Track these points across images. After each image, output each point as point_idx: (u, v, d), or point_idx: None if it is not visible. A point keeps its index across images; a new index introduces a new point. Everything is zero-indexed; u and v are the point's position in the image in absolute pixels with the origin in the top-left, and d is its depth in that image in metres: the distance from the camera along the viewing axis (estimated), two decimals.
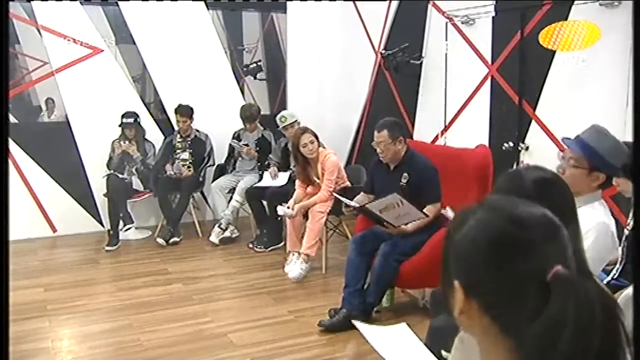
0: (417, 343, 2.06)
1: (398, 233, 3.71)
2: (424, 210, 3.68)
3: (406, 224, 3.68)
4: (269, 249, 5.24)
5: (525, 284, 0.80)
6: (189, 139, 5.80)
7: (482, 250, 0.83)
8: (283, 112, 5.60)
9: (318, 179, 4.81)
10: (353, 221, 4.53)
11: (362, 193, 4.16)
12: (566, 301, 0.77)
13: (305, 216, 4.77)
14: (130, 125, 5.63)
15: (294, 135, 4.85)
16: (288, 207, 4.75)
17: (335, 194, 4.19)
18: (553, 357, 0.76)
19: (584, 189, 2.20)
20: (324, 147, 4.87)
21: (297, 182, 4.92)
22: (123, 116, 5.62)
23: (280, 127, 5.50)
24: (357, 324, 2.42)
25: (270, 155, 5.67)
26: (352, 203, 3.95)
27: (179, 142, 5.80)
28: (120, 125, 5.64)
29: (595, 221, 2.11)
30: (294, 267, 4.61)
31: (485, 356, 0.88)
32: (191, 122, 5.76)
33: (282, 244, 5.22)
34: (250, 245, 5.39)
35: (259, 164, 5.74)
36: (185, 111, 5.70)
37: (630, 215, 2.86)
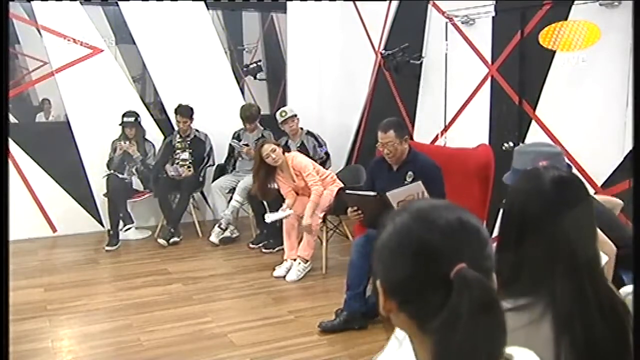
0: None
1: None
2: None
3: None
4: (276, 249, 5.22)
5: (433, 283, 0.85)
6: (188, 139, 5.80)
7: (395, 253, 0.89)
8: (283, 107, 5.68)
9: (295, 181, 4.81)
10: (353, 221, 4.53)
11: None
12: (461, 297, 0.82)
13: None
14: (131, 124, 5.62)
15: (255, 151, 4.85)
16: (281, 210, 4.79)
17: (348, 191, 4.13)
18: (451, 352, 0.81)
19: None
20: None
21: (283, 189, 4.88)
22: (124, 115, 5.62)
23: (280, 121, 5.52)
24: None
25: None
26: (368, 193, 3.88)
27: (178, 142, 5.80)
28: (121, 124, 5.64)
29: None
30: (292, 272, 4.61)
31: (416, 353, 0.92)
32: (191, 123, 5.76)
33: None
34: (252, 246, 5.38)
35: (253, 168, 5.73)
36: (185, 111, 5.70)
37: None
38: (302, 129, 5.65)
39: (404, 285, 0.88)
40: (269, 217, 4.90)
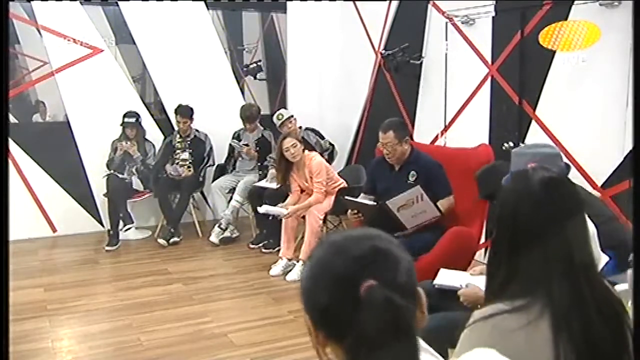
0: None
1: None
2: (437, 204, 3.70)
3: (418, 225, 3.65)
4: (276, 249, 5.22)
5: (348, 306, 0.88)
6: (188, 139, 5.80)
7: (314, 284, 0.93)
8: (279, 111, 5.69)
9: (307, 182, 4.80)
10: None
11: (362, 194, 4.12)
12: (368, 314, 0.85)
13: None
14: (132, 124, 5.63)
15: (277, 143, 4.87)
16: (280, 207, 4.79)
17: (347, 198, 4.16)
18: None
19: None
20: (307, 151, 4.86)
21: (292, 186, 4.91)
22: (125, 115, 5.62)
23: (278, 125, 5.52)
24: None
25: (271, 155, 5.66)
26: (367, 202, 3.91)
27: (178, 142, 5.80)
28: (122, 125, 5.64)
29: None
30: (293, 272, 4.61)
31: None
32: (191, 123, 5.76)
33: None
34: (252, 246, 5.38)
35: (259, 164, 5.75)
36: (185, 112, 5.70)
37: None
38: (300, 127, 5.66)
39: (326, 314, 0.91)
40: (263, 208, 4.91)
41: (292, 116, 5.56)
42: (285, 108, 6.24)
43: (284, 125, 5.50)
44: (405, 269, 0.92)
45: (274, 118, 5.59)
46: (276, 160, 4.89)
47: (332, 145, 5.77)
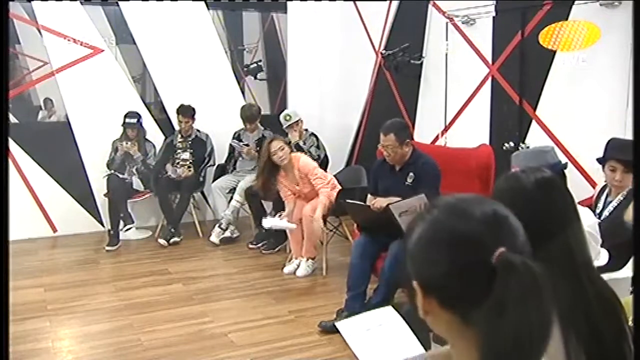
0: (403, 326, 2.02)
1: None
2: None
3: None
4: (277, 249, 5.22)
5: (474, 271, 0.84)
6: (189, 139, 5.80)
7: (431, 248, 0.88)
8: (287, 111, 5.66)
9: (297, 185, 4.75)
10: (353, 222, 4.53)
11: (369, 195, 4.09)
12: (508, 281, 0.81)
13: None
14: (133, 125, 5.62)
15: (264, 146, 4.73)
16: (280, 218, 4.77)
17: (348, 201, 4.15)
18: (501, 340, 0.80)
19: None
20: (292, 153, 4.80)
21: (283, 193, 4.81)
22: (126, 116, 5.62)
23: (285, 126, 5.50)
24: (338, 324, 2.16)
25: None
26: (363, 203, 3.92)
27: (179, 142, 5.80)
28: (123, 125, 5.64)
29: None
30: (301, 268, 4.64)
31: (455, 353, 0.91)
32: (192, 123, 5.76)
33: (285, 242, 5.18)
34: (251, 246, 5.37)
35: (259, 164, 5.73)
36: (187, 111, 5.70)
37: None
38: (306, 130, 5.63)
39: (444, 278, 0.86)
40: (268, 222, 4.81)
41: (300, 119, 5.53)
42: (286, 109, 6.22)
43: (291, 127, 5.47)
44: (523, 236, 0.89)
45: (281, 118, 5.55)
46: (260, 164, 4.74)
47: (326, 157, 5.62)
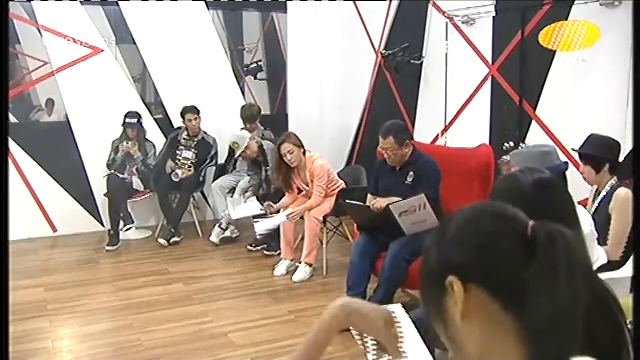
0: (412, 329, 2.01)
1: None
2: None
3: (417, 233, 3.64)
4: (277, 253, 5.19)
5: (511, 250, 0.84)
6: (195, 139, 5.79)
7: (466, 235, 0.88)
8: (233, 139, 5.41)
9: (307, 186, 4.76)
10: (353, 222, 4.53)
11: (369, 195, 4.10)
12: (552, 248, 0.81)
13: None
14: (133, 125, 5.62)
15: (276, 147, 4.74)
16: (277, 211, 4.76)
17: (348, 201, 4.15)
18: (556, 304, 0.79)
19: None
20: (309, 152, 4.79)
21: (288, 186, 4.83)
22: (126, 116, 5.62)
23: (237, 155, 5.41)
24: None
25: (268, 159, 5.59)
26: (372, 206, 3.92)
27: (184, 138, 5.79)
28: (123, 125, 5.63)
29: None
30: (299, 273, 4.60)
31: (491, 344, 0.87)
32: (200, 121, 5.74)
33: None
34: (251, 248, 5.34)
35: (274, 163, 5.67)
36: (194, 110, 5.69)
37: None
38: (262, 136, 5.58)
39: (480, 259, 0.85)
40: (259, 226, 4.72)
41: (250, 139, 5.32)
42: (286, 109, 6.16)
43: (248, 148, 5.31)
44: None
45: (231, 146, 5.46)
46: (275, 163, 4.80)
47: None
